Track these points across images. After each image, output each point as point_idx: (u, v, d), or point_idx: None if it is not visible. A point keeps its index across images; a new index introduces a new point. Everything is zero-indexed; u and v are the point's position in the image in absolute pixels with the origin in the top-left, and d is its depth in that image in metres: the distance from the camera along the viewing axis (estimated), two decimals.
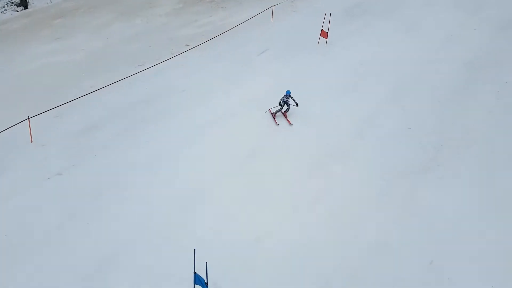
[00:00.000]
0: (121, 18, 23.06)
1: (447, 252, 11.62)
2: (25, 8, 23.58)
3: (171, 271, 10.94)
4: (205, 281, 9.67)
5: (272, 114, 16.01)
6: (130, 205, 12.67)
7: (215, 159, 14.30)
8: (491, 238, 11.96)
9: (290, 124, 15.66)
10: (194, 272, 9.78)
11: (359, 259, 11.43)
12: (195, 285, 9.97)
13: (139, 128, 15.63)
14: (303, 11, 24.12)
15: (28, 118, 14.93)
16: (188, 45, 20.51)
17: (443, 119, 16.19)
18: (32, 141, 14.98)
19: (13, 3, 23.51)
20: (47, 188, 13.24)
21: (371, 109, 16.59)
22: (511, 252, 11.64)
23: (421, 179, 13.73)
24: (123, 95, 17.28)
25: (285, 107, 15.88)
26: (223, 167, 13.98)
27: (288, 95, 15.50)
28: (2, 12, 23.19)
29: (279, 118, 15.93)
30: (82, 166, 14.08)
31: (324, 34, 20.25)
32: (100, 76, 18.26)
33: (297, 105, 15.60)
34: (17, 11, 23.42)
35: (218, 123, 15.81)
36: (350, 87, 17.78)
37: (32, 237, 11.75)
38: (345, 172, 13.88)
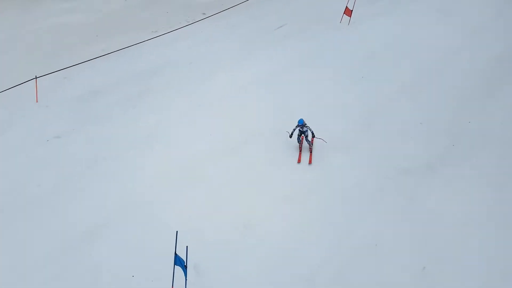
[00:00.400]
0: None
1: (442, 260, 11.13)
2: None
3: (155, 248, 10.90)
4: (185, 264, 9.59)
5: (299, 145, 13.52)
6: (122, 177, 12.61)
7: (212, 138, 14.00)
8: (491, 249, 11.38)
9: (310, 163, 13.26)
10: (175, 254, 9.70)
11: (347, 259, 11.08)
12: (175, 265, 9.92)
13: (142, 98, 15.41)
14: None
15: (36, 78, 14.90)
16: (204, 14, 19.92)
17: (459, 117, 15.26)
18: (37, 101, 15.00)
19: None
20: (44, 150, 13.30)
21: (383, 99, 15.80)
22: (510, 266, 11.09)
23: (426, 179, 13.08)
24: (132, 62, 17.02)
25: (304, 137, 13.36)
26: (220, 147, 13.69)
27: (302, 124, 13.12)
28: None
29: (303, 152, 13.48)
30: (81, 131, 14.06)
31: (348, 12, 19.25)
32: (113, 40, 18.01)
33: (313, 135, 13.39)
34: None
35: (220, 102, 15.37)
36: (365, 72, 16.95)
37: (24, 198, 11.88)
38: (346, 165, 13.36)
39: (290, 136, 13.47)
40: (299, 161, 13.36)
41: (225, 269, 10.69)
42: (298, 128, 13.35)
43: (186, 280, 9.79)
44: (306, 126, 13.25)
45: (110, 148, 13.49)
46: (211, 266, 10.71)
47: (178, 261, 9.73)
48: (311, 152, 13.50)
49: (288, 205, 12.18)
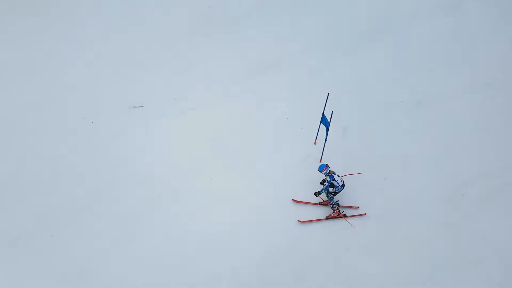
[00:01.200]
0: None
1: None
2: None
3: (307, 105, 11.73)
4: (328, 126, 10.11)
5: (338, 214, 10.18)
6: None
7: None
8: None
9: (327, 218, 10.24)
10: (323, 113, 10.23)
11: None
12: (320, 124, 10.55)
13: None
14: None
15: None
16: None
17: None
18: None
19: None
20: None
21: None
22: None
23: None
24: None
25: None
26: None
27: (320, 171, 9.91)
28: None
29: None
30: None
31: None
32: None
33: (327, 191, 10.05)
34: None
35: None
36: None
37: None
38: None
39: (317, 194, 9.98)
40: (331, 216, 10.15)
41: (371, 131, 11.34)
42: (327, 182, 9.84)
43: (326, 139, 10.69)
44: (332, 174, 9.82)
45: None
46: (357, 130, 11.50)
47: (324, 121, 10.28)
48: (329, 216, 10.13)
49: None
